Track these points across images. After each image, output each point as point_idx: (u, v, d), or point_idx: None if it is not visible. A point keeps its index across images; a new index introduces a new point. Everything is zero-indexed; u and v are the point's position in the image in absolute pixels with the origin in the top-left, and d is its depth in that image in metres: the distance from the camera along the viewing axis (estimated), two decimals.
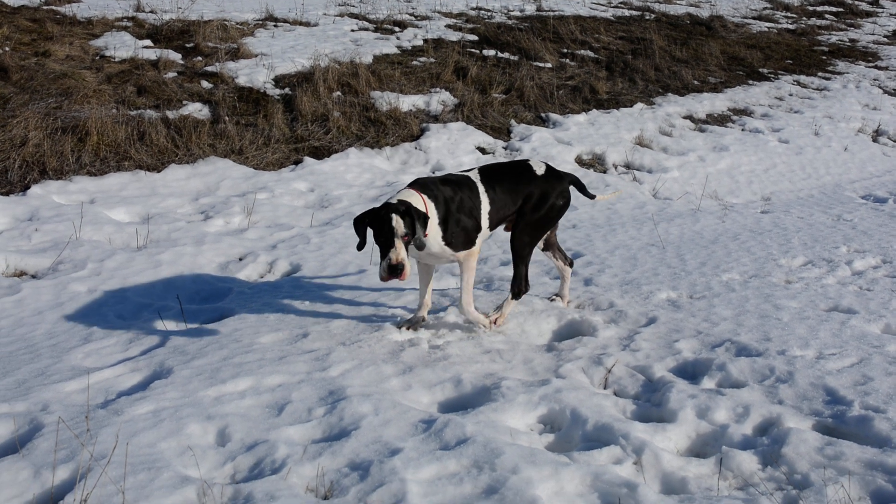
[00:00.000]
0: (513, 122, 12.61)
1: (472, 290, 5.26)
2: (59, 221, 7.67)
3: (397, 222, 4.60)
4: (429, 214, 4.87)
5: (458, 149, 11.26)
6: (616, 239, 8.40)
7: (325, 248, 7.61)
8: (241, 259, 7.34)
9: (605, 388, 4.74)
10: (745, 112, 15.07)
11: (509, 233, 5.54)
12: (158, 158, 9.50)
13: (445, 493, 3.43)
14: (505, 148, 11.80)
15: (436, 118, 12.14)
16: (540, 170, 5.51)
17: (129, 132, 9.59)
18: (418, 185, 5.05)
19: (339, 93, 12.01)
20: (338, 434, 3.96)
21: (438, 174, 5.40)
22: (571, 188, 5.64)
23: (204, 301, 6.32)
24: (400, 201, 4.75)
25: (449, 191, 5.10)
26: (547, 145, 11.85)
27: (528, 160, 5.60)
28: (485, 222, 5.24)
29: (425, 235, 4.78)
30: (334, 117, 11.22)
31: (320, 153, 10.48)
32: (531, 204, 5.41)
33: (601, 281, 6.78)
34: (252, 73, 12.02)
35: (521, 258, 5.43)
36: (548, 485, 3.50)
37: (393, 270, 4.59)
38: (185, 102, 10.79)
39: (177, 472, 3.57)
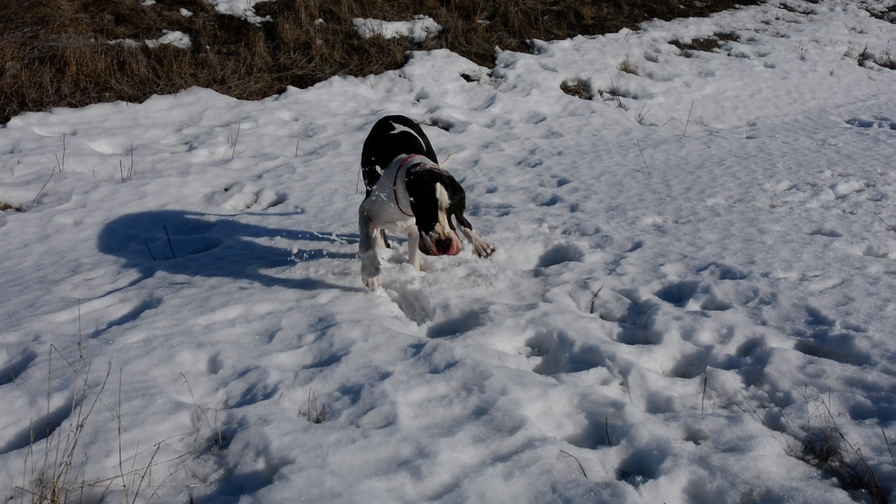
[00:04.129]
0: (497, 48, 12.49)
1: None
2: (42, 153, 7.60)
3: (441, 193, 4.18)
4: None
5: (443, 76, 11.16)
6: (602, 165, 8.41)
7: (310, 178, 7.59)
8: (226, 189, 7.32)
9: (591, 311, 4.79)
10: (731, 37, 14.97)
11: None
12: (139, 89, 9.39)
13: (435, 415, 3.49)
14: (490, 75, 11.71)
15: (420, 45, 12.00)
16: None
17: (108, 62, 9.45)
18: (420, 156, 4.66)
19: (321, 20, 11.83)
20: (328, 359, 4.01)
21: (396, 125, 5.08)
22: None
23: (191, 231, 6.31)
24: (440, 172, 4.31)
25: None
26: (532, 72, 11.76)
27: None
28: None
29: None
30: (317, 45, 11.08)
31: (304, 82, 10.38)
32: None
33: (587, 207, 6.80)
34: (232, 1, 11.82)
35: None
36: (536, 405, 3.57)
37: (442, 246, 4.16)
38: (164, 31, 10.61)
39: (170, 398, 3.61)
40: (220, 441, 3.35)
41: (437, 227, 4.16)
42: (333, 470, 3.06)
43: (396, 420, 3.41)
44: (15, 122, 8.23)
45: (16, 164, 7.34)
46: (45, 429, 3.40)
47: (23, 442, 3.42)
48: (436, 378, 3.76)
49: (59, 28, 9.92)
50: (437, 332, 4.53)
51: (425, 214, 4.21)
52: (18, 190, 6.86)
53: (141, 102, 9.16)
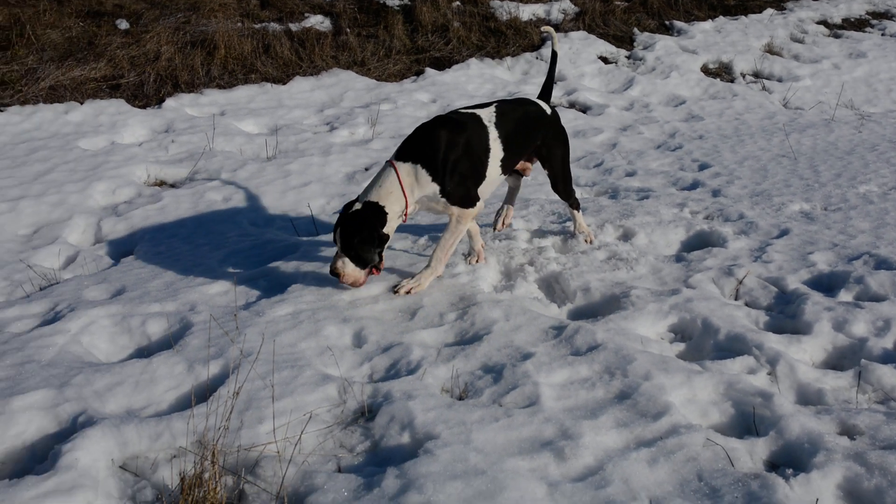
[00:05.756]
0: (636, 30, 12.26)
1: (447, 258, 4.65)
2: (193, 133, 7.94)
3: (337, 237, 4.34)
4: (406, 195, 4.36)
5: (580, 59, 11.05)
6: (745, 150, 8.17)
7: None
8: (366, 169, 7.46)
9: (736, 298, 4.67)
10: (885, 15, 14.23)
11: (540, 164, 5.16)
12: (283, 71, 9.67)
13: (577, 397, 3.48)
14: (628, 57, 11.52)
15: (557, 27, 11.90)
16: (549, 110, 5.06)
17: (254, 45, 9.77)
18: (404, 152, 4.41)
19: (458, 3, 11.88)
20: (470, 338, 4.05)
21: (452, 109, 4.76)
22: None
23: (334, 210, 6.47)
24: (365, 204, 4.33)
25: (447, 138, 4.39)
26: (671, 54, 11.50)
27: (535, 100, 5.07)
28: (494, 171, 4.64)
29: (380, 261, 4.47)
30: (454, 27, 11.13)
31: (441, 64, 10.46)
32: (549, 146, 5.00)
33: (730, 192, 6.62)
34: None
35: (570, 190, 5.23)
36: (680, 392, 3.51)
37: (332, 274, 4.39)
38: (307, 15, 10.88)
39: (318, 371, 3.73)
40: (367, 414, 3.44)
41: (332, 261, 4.40)
42: (477, 447, 3.10)
43: (539, 401, 3.42)
44: (169, 103, 8.62)
45: (170, 142, 7.69)
46: (204, 394, 3.56)
47: (182, 405, 3.60)
48: (578, 360, 3.75)
49: (209, 13, 10.30)
50: (577, 315, 4.51)
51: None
52: (173, 167, 7.19)
53: (284, 84, 9.43)
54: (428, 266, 4.62)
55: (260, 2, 11.08)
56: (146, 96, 8.71)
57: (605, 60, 11.38)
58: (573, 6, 12.52)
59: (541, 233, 5.55)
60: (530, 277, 4.86)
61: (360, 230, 4.29)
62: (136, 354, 4.21)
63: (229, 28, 9.80)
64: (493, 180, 4.69)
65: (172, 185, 7.04)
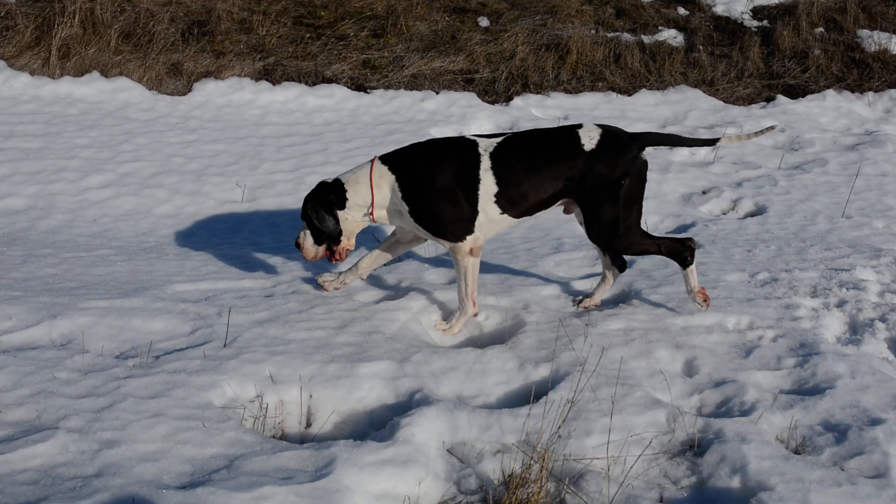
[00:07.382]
0: None
1: (471, 295, 4.35)
2: None
3: (303, 206, 4.55)
4: (374, 193, 4.33)
5: None
6: None
7: (792, 193, 7.26)
8: (704, 192, 7.27)
9: None
10: None
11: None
12: (630, 82, 9.66)
13: None
14: None
15: None
16: (590, 141, 4.26)
17: (605, 54, 9.85)
18: (389, 156, 4.43)
19: (821, 29, 11.22)
20: (810, 389, 3.82)
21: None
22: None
23: (666, 229, 6.37)
24: (334, 180, 4.50)
25: (425, 160, 4.33)
26: None
27: (578, 126, 4.38)
28: (489, 207, 4.25)
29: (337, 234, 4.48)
30: (814, 55, 10.53)
31: (794, 92, 9.94)
32: (587, 188, 4.22)
33: None
34: (730, 3, 11.63)
35: (629, 246, 4.37)
36: None
37: (296, 244, 4.59)
38: (660, 28, 10.77)
39: (647, 393, 3.69)
40: (695, 448, 3.36)
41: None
42: None
43: (888, 474, 3.16)
44: (517, 101, 8.92)
45: None
46: (533, 394, 3.64)
47: (510, 401, 3.73)
48: None
49: (565, 18, 10.51)
50: None
51: None
52: None
53: (630, 95, 9.42)
54: (458, 309, 4.47)
55: (615, 11, 11.13)
56: (496, 93, 9.07)
57: None
58: None
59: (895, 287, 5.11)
60: (880, 335, 4.50)
61: (316, 198, 4.47)
62: (468, 343, 4.41)
63: (583, 34, 9.94)
64: (493, 219, 4.30)
65: None
